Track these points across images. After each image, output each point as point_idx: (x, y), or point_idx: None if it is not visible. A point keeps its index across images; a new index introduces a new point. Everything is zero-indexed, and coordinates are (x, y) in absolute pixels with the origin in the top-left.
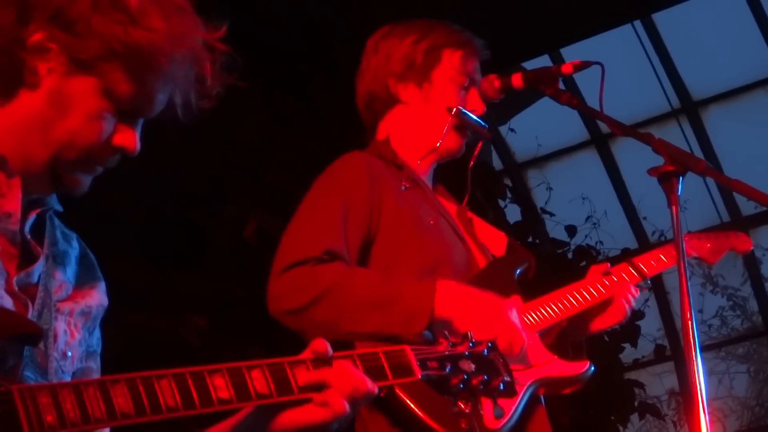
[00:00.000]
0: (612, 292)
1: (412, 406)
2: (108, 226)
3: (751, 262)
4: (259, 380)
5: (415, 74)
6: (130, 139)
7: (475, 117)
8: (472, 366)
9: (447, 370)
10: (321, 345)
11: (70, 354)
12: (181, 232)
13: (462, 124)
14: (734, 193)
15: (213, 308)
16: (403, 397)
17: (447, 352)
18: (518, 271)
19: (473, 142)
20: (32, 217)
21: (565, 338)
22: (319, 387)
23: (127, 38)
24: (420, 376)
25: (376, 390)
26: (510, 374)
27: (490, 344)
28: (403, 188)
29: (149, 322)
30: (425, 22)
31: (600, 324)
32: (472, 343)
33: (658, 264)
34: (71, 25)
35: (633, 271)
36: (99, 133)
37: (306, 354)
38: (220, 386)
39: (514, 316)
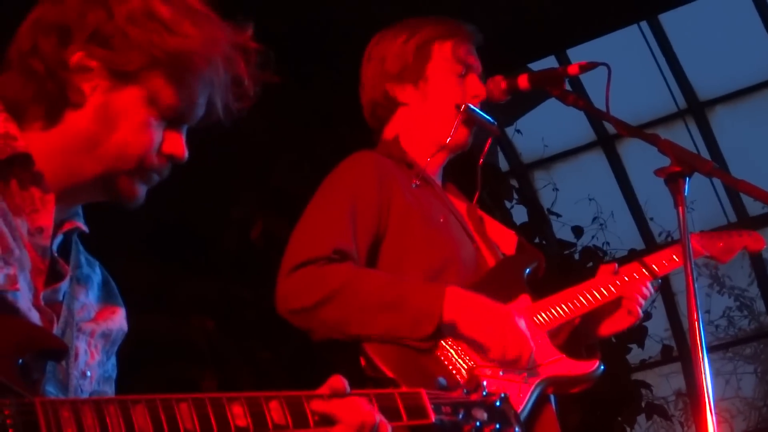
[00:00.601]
0: (623, 291)
1: None
2: (114, 227)
3: (758, 262)
4: (276, 411)
5: (410, 74)
6: (179, 145)
7: (483, 113)
8: (485, 415)
9: (460, 416)
10: (339, 382)
11: (89, 374)
12: (188, 234)
13: (470, 121)
14: (741, 194)
15: (219, 310)
16: None
17: (460, 399)
18: (528, 270)
19: (482, 139)
20: (59, 236)
21: (578, 338)
22: (331, 421)
23: (165, 46)
24: (434, 420)
25: (387, 426)
26: (521, 426)
27: (503, 395)
28: (414, 185)
29: (156, 324)
30: (413, 21)
31: (611, 327)
32: (486, 393)
33: (669, 263)
34: (109, 40)
35: (644, 270)
36: (149, 141)
37: (323, 389)
38: (238, 414)
39: (522, 324)
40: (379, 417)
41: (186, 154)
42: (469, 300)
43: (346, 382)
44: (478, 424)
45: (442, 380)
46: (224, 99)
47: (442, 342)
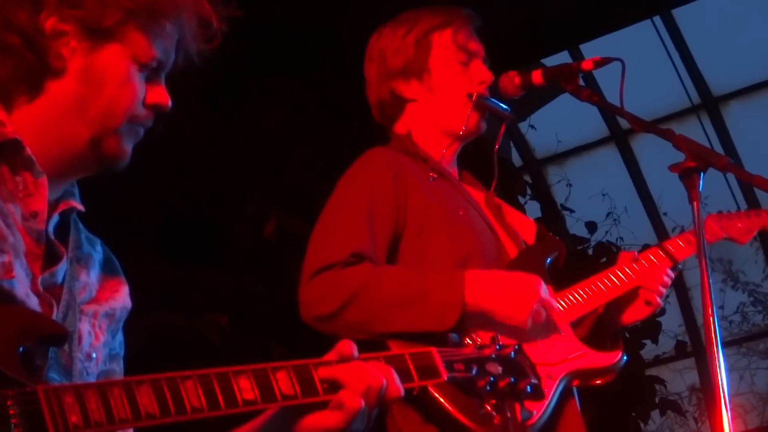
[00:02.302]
0: (642, 277)
1: (443, 402)
2: (129, 224)
3: None
4: (284, 381)
5: (413, 69)
6: (161, 94)
7: (494, 100)
8: (499, 368)
9: (473, 372)
10: (346, 347)
11: (94, 355)
12: (202, 231)
13: (481, 108)
14: (755, 189)
15: (234, 306)
16: (435, 393)
17: (473, 355)
18: (549, 260)
19: (495, 126)
20: (55, 216)
21: (602, 327)
22: (337, 386)
23: None
24: (446, 378)
25: (397, 387)
26: (537, 377)
27: (516, 347)
28: (430, 179)
29: (170, 320)
30: (409, 15)
31: (632, 316)
32: (499, 345)
33: (687, 246)
34: (80, 0)
35: (662, 252)
36: (134, 93)
37: (331, 355)
38: (245, 387)
39: (544, 287)
40: (385, 379)
41: (169, 101)
42: (490, 278)
43: (354, 347)
44: (492, 378)
45: (454, 336)
46: (194, 41)
47: (467, 339)
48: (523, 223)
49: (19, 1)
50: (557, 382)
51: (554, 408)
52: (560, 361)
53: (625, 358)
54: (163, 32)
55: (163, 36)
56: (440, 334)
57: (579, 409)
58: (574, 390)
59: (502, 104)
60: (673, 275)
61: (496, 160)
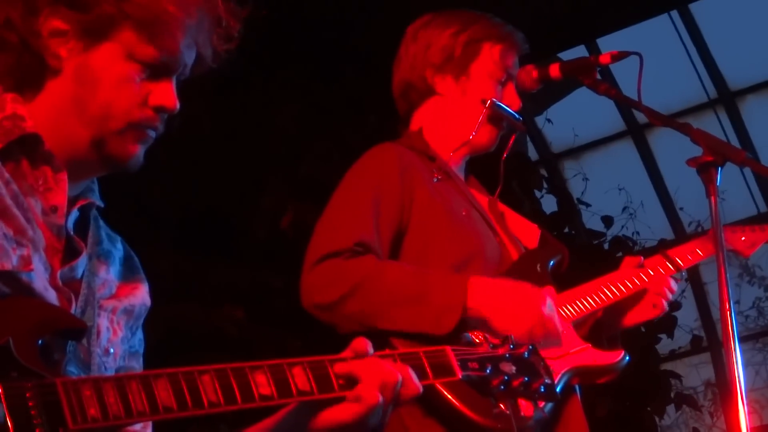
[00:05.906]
0: (647, 285)
1: (449, 397)
2: (146, 217)
3: None
4: (300, 377)
5: (454, 67)
6: (167, 95)
7: (508, 109)
8: (513, 368)
9: (487, 371)
10: (361, 344)
11: (112, 351)
12: (218, 223)
13: (496, 117)
14: None
15: (250, 299)
16: (444, 392)
17: (487, 354)
18: (551, 263)
19: (507, 134)
20: (74, 212)
21: (601, 330)
22: (353, 381)
23: None
24: (461, 377)
25: (416, 385)
26: (551, 377)
27: (530, 347)
28: (435, 180)
29: (187, 312)
30: (467, 14)
31: (635, 318)
32: (513, 345)
33: (693, 257)
34: (77, 0)
35: (669, 264)
36: (132, 95)
37: (347, 353)
38: (262, 383)
39: (548, 304)
40: (401, 375)
41: (176, 103)
42: (493, 286)
43: (368, 343)
44: (506, 377)
45: (467, 335)
46: (210, 43)
47: (470, 333)
48: (527, 228)
49: (12, 2)
50: (558, 377)
51: (555, 404)
52: (561, 355)
53: (627, 358)
54: (166, 34)
55: (166, 38)
56: (438, 337)
57: (581, 405)
58: (576, 388)
59: (515, 114)
60: (676, 285)
61: (503, 167)
